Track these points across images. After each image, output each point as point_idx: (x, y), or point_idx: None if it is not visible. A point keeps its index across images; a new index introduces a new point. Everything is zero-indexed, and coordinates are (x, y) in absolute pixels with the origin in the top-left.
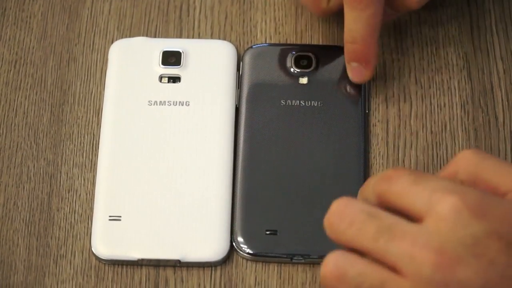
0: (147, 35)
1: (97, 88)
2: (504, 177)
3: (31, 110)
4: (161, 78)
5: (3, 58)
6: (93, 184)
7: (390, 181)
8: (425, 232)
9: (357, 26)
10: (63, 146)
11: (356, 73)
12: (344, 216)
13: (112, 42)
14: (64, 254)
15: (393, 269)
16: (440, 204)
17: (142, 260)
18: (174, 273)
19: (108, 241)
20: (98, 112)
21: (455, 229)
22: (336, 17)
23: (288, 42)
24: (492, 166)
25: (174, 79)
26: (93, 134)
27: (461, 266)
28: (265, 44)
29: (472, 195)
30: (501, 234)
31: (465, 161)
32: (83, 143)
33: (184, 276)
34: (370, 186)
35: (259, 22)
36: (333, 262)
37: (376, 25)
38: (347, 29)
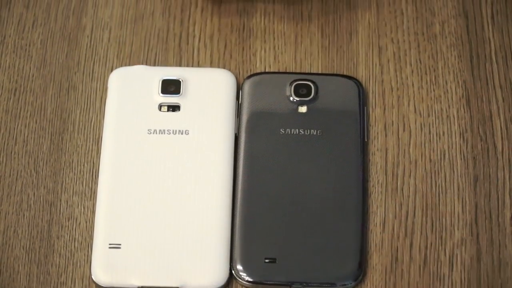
0: (146, 63)
1: (97, 116)
2: None
3: (31, 138)
4: (160, 106)
5: (3, 86)
6: (93, 212)
7: None
8: None
9: None
10: (63, 174)
11: None
12: None
13: (112, 70)
14: (65, 281)
15: None
16: None
17: (142, 287)
18: None
19: (108, 268)
20: (98, 141)
21: None
22: (335, 45)
23: (288, 70)
24: None
25: (174, 108)
26: (93, 163)
27: None
28: (265, 73)
29: None
30: None
31: None
32: (83, 171)
33: None
34: None
35: (259, 50)
36: None
37: None
38: None
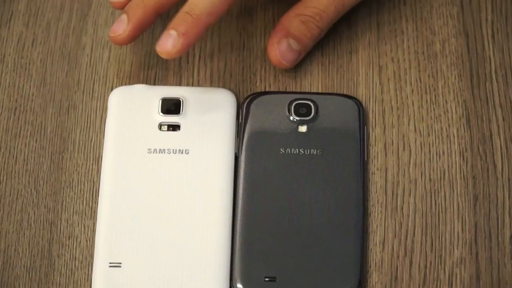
0: (146, 83)
1: (97, 135)
2: None
3: (31, 157)
4: (160, 126)
5: (2, 105)
6: (93, 231)
7: None
8: None
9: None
10: (63, 193)
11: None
12: None
13: (112, 90)
14: None
15: None
16: None
17: None
18: None
19: (109, 287)
20: (98, 160)
21: None
22: (335, 64)
23: (288, 89)
24: None
25: (174, 127)
26: (93, 182)
27: None
28: (265, 92)
29: None
30: None
31: None
32: (83, 190)
33: None
34: None
35: (259, 69)
36: None
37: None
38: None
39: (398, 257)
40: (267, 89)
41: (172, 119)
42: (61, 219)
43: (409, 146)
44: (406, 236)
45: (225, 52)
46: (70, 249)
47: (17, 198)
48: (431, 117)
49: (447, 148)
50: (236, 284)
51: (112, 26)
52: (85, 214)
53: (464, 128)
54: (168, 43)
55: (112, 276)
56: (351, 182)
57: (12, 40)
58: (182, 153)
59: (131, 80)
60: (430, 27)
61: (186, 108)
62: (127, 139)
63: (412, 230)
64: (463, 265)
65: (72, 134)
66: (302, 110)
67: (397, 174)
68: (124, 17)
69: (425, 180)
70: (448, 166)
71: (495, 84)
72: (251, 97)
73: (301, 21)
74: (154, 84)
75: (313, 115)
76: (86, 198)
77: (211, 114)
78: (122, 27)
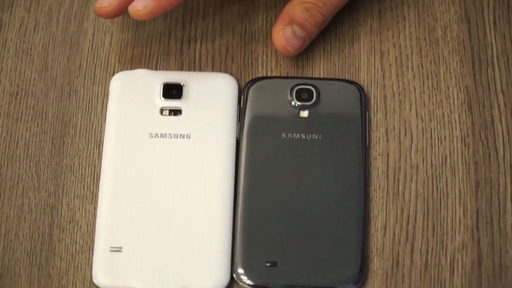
0: (148, 68)
1: (98, 120)
2: None
3: (32, 141)
4: (162, 110)
5: (4, 89)
6: (94, 215)
7: None
8: None
9: None
10: (64, 177)
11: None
12: None
13: (113, 75)
14: (65, 284)
15: None
16: None
17: None
18: None
19: (109, 272)
20: (99, 144)
21: None
22: (337, 50)
23: (289, 75)
24: None
25: (175, 112)
26: (94, 166)
27: None
28: (266, 77)
29: None
30: None
31: None
32: (84, 174)
33: None
34: None
35: (260, 55)
36: None
37: None
38: None
39: (399, 242)
40: (268, 74)
41: (173, 103)
42: (62, 203)
43: (411, 131)
44: (408, 222)
45: (227, 37)
46: (71, 234)
47: (18, 183)
48: (433, 103)
49: (449, 133)
50: (237, 269)
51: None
52: (86, 199)
53: (466, 114)
54: (140, 3)
55: (112, 261)
56: (352, 167)
57: (14, 26)
58: (183, 137)
59: (132, 65)
60: (432, 13)
61: (187, 93)
62: (128, 123)
63: (413, 216)
64: (465, 251)
65: (74, 119)
66: (304, 95)
67: (399, 160)
68: None
69: (426, 166)
70: (450, 152)
71: (496, 70)
72: (252, 82)
73: (304, 8)
74: (156, 69)
75: (315, 100)
76: (87, 182)
77: (213, 99)
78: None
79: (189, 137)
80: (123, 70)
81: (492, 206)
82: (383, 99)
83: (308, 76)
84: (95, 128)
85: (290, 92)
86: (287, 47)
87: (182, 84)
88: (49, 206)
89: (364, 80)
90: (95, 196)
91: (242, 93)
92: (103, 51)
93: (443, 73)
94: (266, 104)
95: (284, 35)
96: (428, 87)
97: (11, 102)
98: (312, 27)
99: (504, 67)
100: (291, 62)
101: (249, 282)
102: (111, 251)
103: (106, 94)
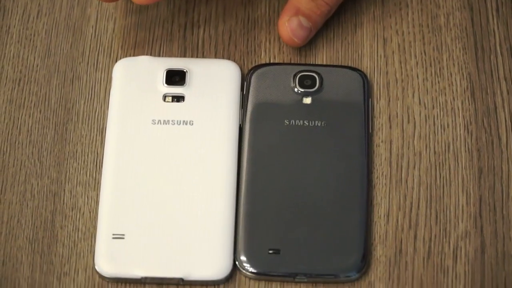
0: (151, 54)
1: (101, 106)
2: None
3: (35, 128)
4: (165, 97)
5: (7, 76)
6: (97, 202)
7: None
8: None
9: None
10: (66, 164)
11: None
12: None
13: (116, 61)
14: (68, 271)
15: None
16: None
17: (145, 278)
18: None
19: (111, 259)
20: (102, 131)
21: None
22: (340, 37)
23: (292, 61)
24: None
25: (178, 98)
26: (97, 153)
27: None
28: (269, 64)
29: None
30: None
31: None
32: (87, 161)
33: None
34: None
35: (263, 41)
36: None
37: None
38: None
39: (402, 230)
40: (271, 61)
41: (176, 90)
42: (64, 190)
43: (414, 118)
44: (411, 209)
45: (230, 24)
46: (73, 221)
47: (20, 169)
48: (436, 90)
49: (452, 120)
50: (240, 256)
51: None
52: (88, 185)
53: (468, 101)
54: None
55: (115, 248)
56: (355, 154)
57: (17, 12)
58: (186, 124)
59: (135, 51)
60: (434, 0)
61: (190, 79)
62: (131, 110)
63: (416, 203)
64: (468, 239)
65: (76, 105)
66: (306, 82)
67: (402, 147)
68: None
69: (429, 153)
70: (453, 139)
71: (499, 57)
72: (255, 68)
73: None
74: (159, 55)
75: (318, 87)
76: (90, 169)
77: (216, 86)
78: None
79: (192, 124)
80: (126, 56)
81: (495, 193)
82: (386, 86)
83: (311, 63)
84: (97, 115)
85: (293, 79)
86: (293, 38)
87: (185, 70)
88: (52, 192)
89: (367, 67)
90: (98, 183)
91: (245, 79)
92: (106, 37)
93: (446, 60)
94: (269, 90)
95: (290, 26)
96: (431, 74)
97: (14, 89)
98: (318, 17)
99: (507, 54)
100: (294, 49)
101: (251, 269)
102: (113, 238)
103: (109, 80)
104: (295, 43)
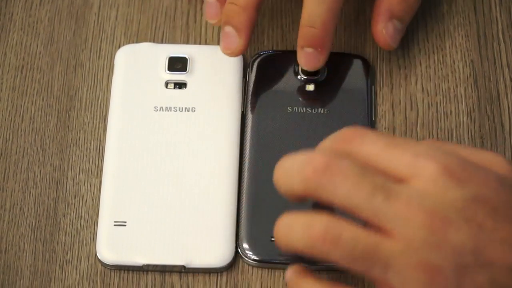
0: (153, 41)
1: (104, 94)
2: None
3: (38, 115)
4: (167, 84)
5: (10, 63)
6: (99, 189)
7: (355, 142)
8: (416, 193)
9: (319, 10)
10: (69, 151)
11: (310, 59)
12: (334, 170)
13: (119, 48)
14: (70, 259)
15: (383, 230)
16: (426, 169)
17: (147, 265)
18: (180, 279)
19: (114, 246)
20: (105, 118)
21: (444, 193)
22: (342, 24)
23: (295, 49)
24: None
25: (180, 85)
26: (100, 140)
27: (452, 229)
28: (272, 51)
29: (455, 161)
30: (486, 199)
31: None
32: (90, 148)
33: (190, 282)
34: (327, 148)
35: (266, 28)
36: (323, 226)
37: (337, 11)
38: (307, 13)
39: None
40: (274, 48)
41: (178, 77)
42: (67, 177)
43: (417, 105)
44: None
45: None
46: (76, 208)
47: (23, 157)
48: (439, 77)
49: (455, 108)
50: (242, 244)
51: (221, 42)
52: (91, 173)
53: (471, 88)
54: None
55: (117, 235)
56: None
57: None
58: (188, 111)
59: (138, 38)
60: None
61: (192, 66)
62: (133, 97)
63: None
64: None
65: (79, 92)
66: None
67: (405, 134)
68: (229, 29)
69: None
70: (456, 126)
71: (502, 45)
72: (258, 55)
73: None
74: (161, 42)
75: (321, 74)
76: (93, 156)
77: (218, 73)
78: (234, 41)
79: (194, 111)
80: (128, 43)
81: None
82: (389, 73)
83: None
84: (100, 102)
85: (296, 66)
86: (391, 45)
87: (187, 57)
88: (54, 180)
89: (370, 53)
90: (100, 170)
91: (247, 66)
92: (109, 24)
93: (449, 48)
94: (271, 77)
95: (388, 33)
96: (434, 61)
97: (17, 76)
98: (410, 17)
99: (510, 41)
100: (296, 36)
101: (254, 257)
102: (115, 225)
103: (111, 67)
104: (391, 48)
